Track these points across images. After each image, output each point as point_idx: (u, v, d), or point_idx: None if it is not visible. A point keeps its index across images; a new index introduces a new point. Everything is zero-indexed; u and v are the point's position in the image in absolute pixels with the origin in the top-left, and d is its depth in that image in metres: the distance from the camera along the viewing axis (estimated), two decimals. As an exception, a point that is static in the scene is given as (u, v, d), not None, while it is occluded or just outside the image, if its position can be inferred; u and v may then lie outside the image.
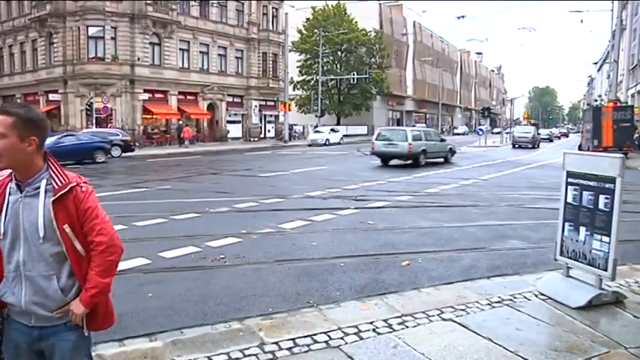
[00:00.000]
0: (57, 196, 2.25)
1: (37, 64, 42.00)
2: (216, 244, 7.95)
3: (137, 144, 34.99)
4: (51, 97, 38.40)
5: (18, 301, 2.31)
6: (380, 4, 71.59)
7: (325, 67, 57.34)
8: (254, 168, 22.13)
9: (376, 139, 23.92)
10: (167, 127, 42.31)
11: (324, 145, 42.91)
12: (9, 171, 2.34)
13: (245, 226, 9.34)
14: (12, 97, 44.95)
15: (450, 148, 26.33)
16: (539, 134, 51.39)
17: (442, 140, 26.80)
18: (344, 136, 50.87)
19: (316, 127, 51.04)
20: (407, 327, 4.70)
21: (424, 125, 67.67)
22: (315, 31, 57.19)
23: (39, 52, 41.74)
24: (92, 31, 38.11)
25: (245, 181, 17.78)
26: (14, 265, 2.30)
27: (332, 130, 48.21)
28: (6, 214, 2.29)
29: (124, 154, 28.72)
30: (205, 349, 4.22)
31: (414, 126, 60.15)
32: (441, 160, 25.32)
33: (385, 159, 23.83)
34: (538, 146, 43.95)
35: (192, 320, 4.99)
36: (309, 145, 42.28)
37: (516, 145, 42.73)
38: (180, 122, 40.92)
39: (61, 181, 2.29)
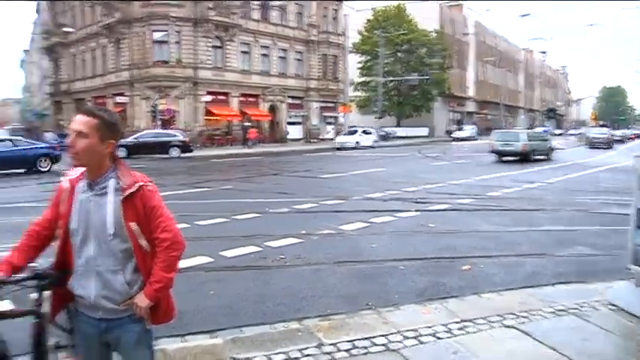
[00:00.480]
0: (125, 194, 2.36)
1: (107, 69, 43.80)
2: (277, 244, 7.99)
3: (197, 145, 35.77)
4: (118, 99, 40.00)
5: (88, 294, 2.41)
6: (440, 4, 70.59)
7: (385, 68, 57.01)
8: (314, 169, 22.27)
9: (495, 140, 28.08)
10: (228, 128, 43.11)
11: (354, 148, 39.75)
12: (80, 170, 2.45)
13: (305, 226, 9.36)
14: (83, 100, 47.04)
15: (550, 147, 30.25)
16: (612, 136, 50.83)
17: (544, 140, 30.80)
18: (400, 137, 50.00)
19: (352, 127, 48.35)
20: (467, 333, 4.59)
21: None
22: (376, 32, 56.96)
23: (108, 57, 43.57)
24: (157, 35, 39.50)
25: (305, 182, 17.88)
26: (84, 260, 2.41)
27: (364, 132, 44.05)
28: (77, 212, 2.40)
29: (183, 155, 29.64)
30: (264, 348, 4.24)
31: (475, 125, 59.10)
32: (544, 157, 28.68)
33: (502, 156, 27.52)
34: (612, 147, 44.25)
35: (251, 319, 5.03)
36: (338, 149, 39.40)
37: (591, 146, 43.27)
38: (246, 123, 41.70)
39: (128, 181, 2.39)
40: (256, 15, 45.64)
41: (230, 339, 4.44)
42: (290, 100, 48.97)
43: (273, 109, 47.19)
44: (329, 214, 10.92)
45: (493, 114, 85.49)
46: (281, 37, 47.76)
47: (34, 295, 2.55)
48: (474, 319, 4.88)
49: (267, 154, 33.80)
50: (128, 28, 40.05)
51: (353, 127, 49.21)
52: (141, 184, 2.41)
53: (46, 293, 2.54)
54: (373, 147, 41.89)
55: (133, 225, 2.37)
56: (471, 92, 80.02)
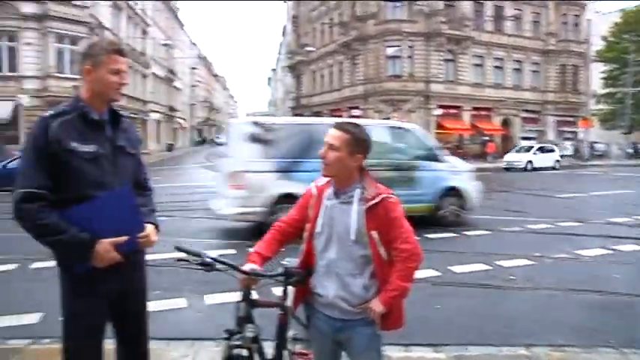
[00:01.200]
0: (369, 205, 2.49)
1: (342, 83, 46.39)
2: (507, 264, 7.67)
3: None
4: (353, 112, 41.96)
5: (326, 294, 2.59)
6: None
7: (636, 77, 51.13)
8: (549, 187, 20.72)
9: None
10: (460, 142, 42.53)
11: (524, 170, 32.88)
12: (325, 179, 2.65)
13: (538, 248, 8.81)
14: (320, 113, 50.30)
15: None
16: None
17: None
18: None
19: (528, 140, 42.04)
20: None
21: None
22: (625, 36, 51.39)
23: (344, 72, 46.15)
24: (390, 51, 40.72)
25: (538, 201, 16.70)
26: (326, 261, 2.59)
27: (541, 148, 35.55)
28: (322, 217, 2.59)
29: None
30: (488, 370, 4.03)
31: None
32: None
33: None
34: None
35: (476, 338, 4.85)
36: (506, 169, 33.12)
37: None
38: (485, 137, 40.86)
39: (373, 192, 2.52)
40: (489, 26, 44.44)
41: (453, 355, 4.38)
42: (524, 114, 46.55)
43: (506, 123, 45.34)
44: (564, 236, 10.10)
45: None
46: (516, 47, 45.78)
47: (281, 289, 2.75)
48: None
49: (499, 169, 32.55)
50: (363, 45, 41.95)
51: (528, 138, 43.61)
52: (384, 195, 2.51)
53: (291, 289, 2.72)
54: (555, 168, 34.33)
55: (374, 233, 2.49)
56: None
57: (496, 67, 45.11)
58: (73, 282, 2.50)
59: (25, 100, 30.88)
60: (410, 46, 40.42)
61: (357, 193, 2.52)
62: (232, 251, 8.42)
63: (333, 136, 2.52)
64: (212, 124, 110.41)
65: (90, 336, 2.55)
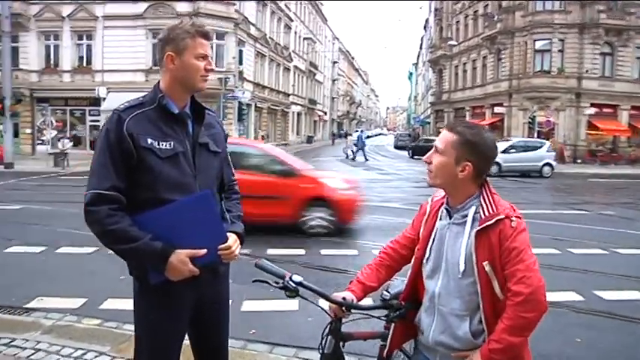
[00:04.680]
0: (481, 227, 1.99)
1: (486, 79, 44.36)
2: None
3: (577, 160, 33.54)
4: (496, 109, 40.07)
5: (427, 334, 2.15)
6: None
7: None
8: None
9: None
10: (614, 144, 38.68)
11: None
12: (444, 193, 2.19)
13: None
14: (462, 109, 48.93)
15: None
16: None
17: None
18: None
19: None
20: None
21: None
22: None
23: (488, 67, 44.07)
24: (539, 44, 38.11)
25: None
26: (430, 295, 2.16)
27: None
28: (434, 239, 2.15)
29: (556, 170, 27.20)
30: None
31: None
32: None
33: None
34: None
35: None
36: None
37: None
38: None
39: (489, 211, 2.01)
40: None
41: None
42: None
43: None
44: None
45: None
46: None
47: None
48: None
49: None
50: (509, 38, 39.76)
51: None
52: (501, 217, 1.97)
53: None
54: None
55: (486, 265, 1.96)
56: None
57: (663, 60, 40.22)
58: (148, 293, 2.27)
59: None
60: (561, 39, 37.45)
61: (471, 211, 2.04)
62: (354, 252, 8.14)
63: (440, 137, 2.11)
64: (352, 118, 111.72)
65: (167, 352, 2.34)
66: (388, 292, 2.34)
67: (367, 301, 2.36)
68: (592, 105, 37.14)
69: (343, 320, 2.34)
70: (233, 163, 2.65)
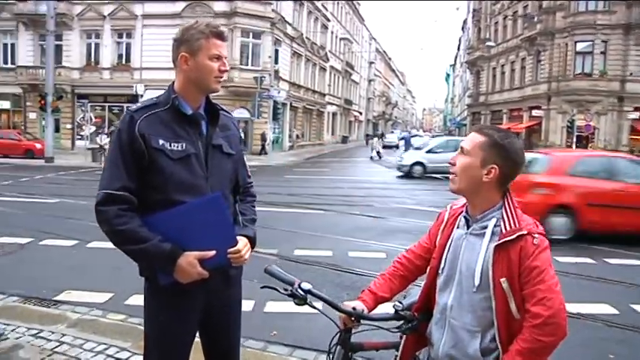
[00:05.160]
0: (500, 242, 1.88)
1: (524, 82, 43.52)
2: None
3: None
4: (534, 112, 39.32)
5: (437, 347, 2.07)
6: None
7: None
8: None
9: None
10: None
11: None
12: (464, 201, 2.09)
13: None
14: (499, 111, 48.17)
15: None
16: None
17: None
18: None
19: None
20: None
21: None
22: None
23: (526, 69, 43.21)
24: (580, 46, 37.14)
25: None
26: (441, 307, 2.07)
27: None
28: (449, 249, 2.06)
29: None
30: None
31: None
32: None
33: None
34: None
35: None
36: None
37: None
38: None
39: (510, 225, 1.90)
40: None
41: None
42: None
43: None
44: None
45: None
46: None
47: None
48: None
49: None
50: (549, 39, 38.85)
51: None
52: (523, 232, 1.86)
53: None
54: None
55: (503, 282, 1.86)
56: None
57: None
58: (159, 294, 2.27)
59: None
60: (604, 41, 36.38)
61: (491, 223, 1.94)
62: (382, 255, 8.07)
63: (468, 138, 2.03)
64: (388, 119, 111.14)
65: (175, 353, 2.33)
66: (401, 303, 2.26)
67: (380, 310, 2.29)
68: (635, 109, 36.05)
69: (353, 330, 2.27)
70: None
